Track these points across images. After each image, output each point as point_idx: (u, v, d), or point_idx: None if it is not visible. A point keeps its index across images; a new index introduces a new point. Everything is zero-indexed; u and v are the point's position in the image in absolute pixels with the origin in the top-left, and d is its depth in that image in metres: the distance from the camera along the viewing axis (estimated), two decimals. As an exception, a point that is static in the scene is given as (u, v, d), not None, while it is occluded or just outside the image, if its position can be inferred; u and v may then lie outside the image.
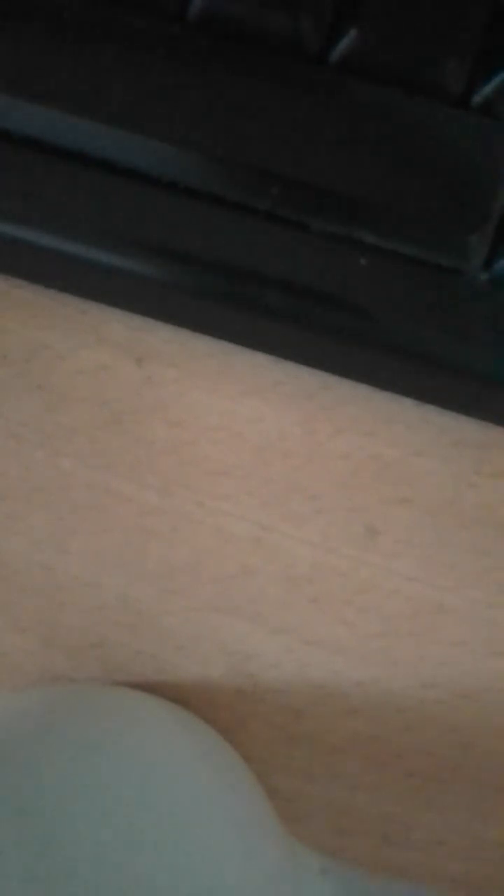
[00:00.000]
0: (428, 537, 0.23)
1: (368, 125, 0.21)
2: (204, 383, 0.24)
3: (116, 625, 0.24)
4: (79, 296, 0.23)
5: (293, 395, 0.23)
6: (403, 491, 0.23)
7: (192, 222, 0.21)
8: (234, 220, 0.21)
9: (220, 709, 0.23)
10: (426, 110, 0.21)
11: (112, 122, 0.21)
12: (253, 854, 0.21)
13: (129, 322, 0.24)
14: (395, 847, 0.23)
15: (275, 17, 0.21)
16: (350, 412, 0.23)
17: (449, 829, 0.23)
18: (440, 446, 0.23)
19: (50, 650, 0.24)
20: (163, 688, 0.24)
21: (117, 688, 0.24)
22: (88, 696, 0.23)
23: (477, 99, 0.21)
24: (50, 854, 0.19)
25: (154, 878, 0.19)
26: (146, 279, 0.22)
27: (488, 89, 0.21)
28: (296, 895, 0.22)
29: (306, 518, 0.23)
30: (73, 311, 0.24)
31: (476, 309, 0.21)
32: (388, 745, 0.23)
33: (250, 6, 0.21)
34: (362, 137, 0.21)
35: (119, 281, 0.22)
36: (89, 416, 0.24)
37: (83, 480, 0.24)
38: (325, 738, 0.23)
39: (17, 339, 0.24)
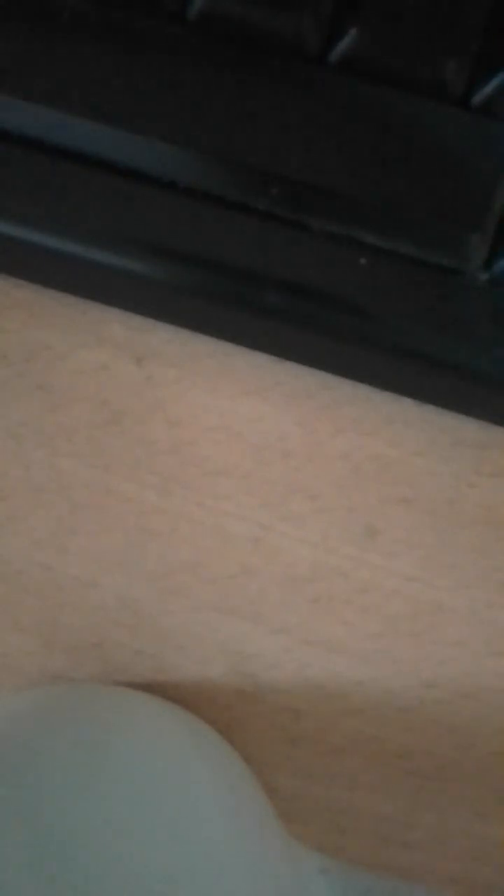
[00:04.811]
0: (428, 537, 0.23)
1: (368, 125, 0.21)
2: (204, 383, 0.24)
3: (116, 625, 0.24)
4: (79, 296, 0.23)
5: (293, 395, 0.23)
6: (403, 491, 0.23)
7: (192, 222, 0.21)
8: (234, 220, 0.21)
9: (220, 709, 0.23)
10: (426, 110, 0.21)
11: (112, 122, 0.21)
12: (253, 854, 0.21)
13: (129, 322, 0.24)
14: (395, 847, 0.23)
15: (275, 17, 0.21)
16: (350, 412, 0.23)
17: (449, 829, 0.23)
18: (440, 446, 0.23)
19: (50, 650, 0.24)
20: (163, 688, 0.24)
21: (117, 688, 0.24)
22: (88, 696, 0.23)
23: (477, 99, 0.21)
24: (50, 854, 0.19)
25: (154, 877, 0.19)
26: (146, 279, 0.22)
27: (488, 89, 0.21)
28: (296, 895, 0.22)
29: (306, 518, 0.23)
30: (73, 311, 0.24)
31: (476, 309, 0.21)
32: (388, 745, 0.23)
33: (250, 6, 0.21)
34: (362, 137, 0.21)
35: (119, 281, 0.22)
36: (89, 416, 0.24)
37: (83, 480, 0.24)
38: (325, 738, 0.23)
39: (17, 339, 0.24)
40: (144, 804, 0.20)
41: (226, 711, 0.23)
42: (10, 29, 0.21)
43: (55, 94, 0.21)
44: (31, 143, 0.22)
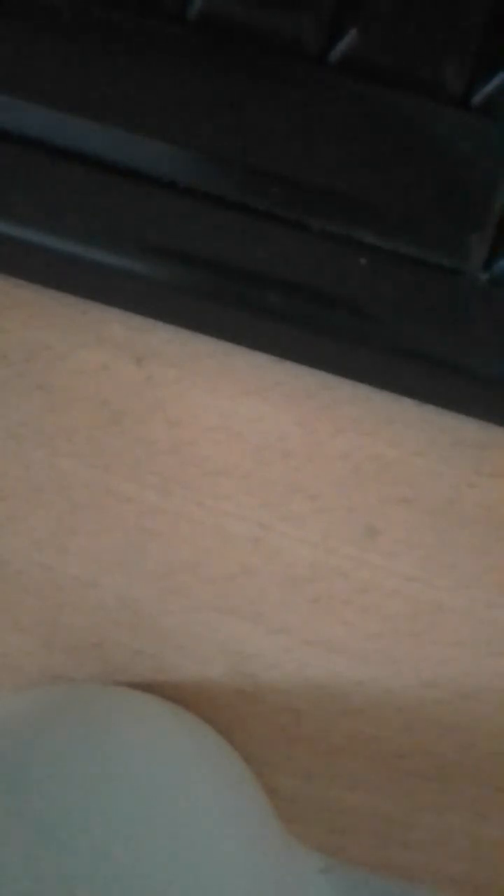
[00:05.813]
0: (428, 537, 0.23)
1: (368, 125, 0.21)
2: (204, 383, 0.24)
3: (116, 625, 0.24)
4: (79, 296, 0.23)
5: (293, 395, 0.23)
6: (403, 491, 0.23)
7: (192, 222, 0.21)
8: (234, 220, 0.21)
9: (220, 709, 0.23)
10: (426, 110, 0.21)
11: (112, 122, 0.21)
12: (253, 854, 0.21)
13: (129, 322, 0.24)
14: (395, 847, 0.23)
15: (275, 17, 0.21)
16: (350, 412, 0.23)
17: (449, 829, 0.23)
18: (440, 446, 0.23)
19: (50, 650, 0.24)
20: (163, 688, 0.24)
21: (117, 688, 0.24)
22: (88, 696, 0.23)
23: (477, 99, 0.21)
24: (49, 854, 0.19)
25: (153, 877, 0.19)
26: (146, 279, 0.22)
27: (488, 89, 0.21)
28: (296, 895, 0.22)
29: (306, 518, 0.23)
30: (73, 311, 0.24)
31: (476, 309, 0.21)
32: (388, 745, 0.23)
33: (250, 6, 0.21)
34: (362, 137, 0.21)
35: (119, 281, 0.22)
36: (89, 416, 0.24)
37: (83, 480, 0.24)
38: (325, 738, 0.23)
39: (17, 339, 0.24)
40: (144, 804, 0.20)
41: (226, 711, 0.23)
42: (10, 29, 0.21)
43: (55, 94, 0.21)
44: (31, 143, 0.22)
